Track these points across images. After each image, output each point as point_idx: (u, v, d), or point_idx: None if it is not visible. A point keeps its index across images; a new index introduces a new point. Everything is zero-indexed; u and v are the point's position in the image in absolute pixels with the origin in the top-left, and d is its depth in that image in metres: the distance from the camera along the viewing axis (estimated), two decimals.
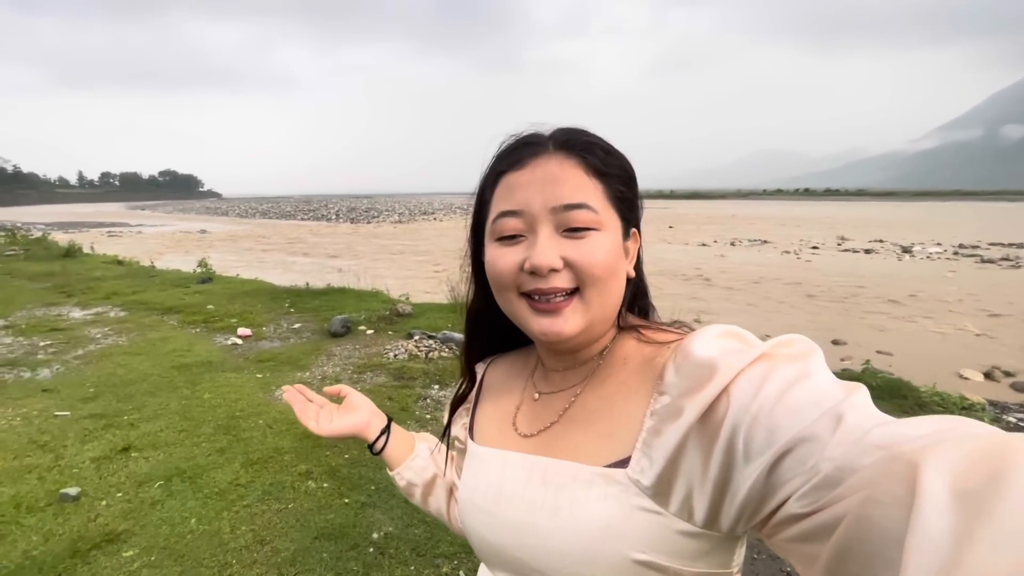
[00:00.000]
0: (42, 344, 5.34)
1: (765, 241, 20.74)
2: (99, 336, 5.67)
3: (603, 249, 0.49)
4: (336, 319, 5.86)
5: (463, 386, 0.69)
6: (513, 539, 0.52)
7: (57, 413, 3.59)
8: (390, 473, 0.77)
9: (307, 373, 4.49)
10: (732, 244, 19.86)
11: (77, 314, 6.79)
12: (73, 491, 2.60)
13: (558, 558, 0.48)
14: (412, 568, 2.15)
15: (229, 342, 5.46)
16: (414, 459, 0.76)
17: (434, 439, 0.81)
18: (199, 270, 9.96)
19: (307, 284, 8.43)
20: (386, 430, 0.76)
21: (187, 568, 2.12)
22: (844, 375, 4.70)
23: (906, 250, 17.18)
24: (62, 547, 2.22)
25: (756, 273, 12.68)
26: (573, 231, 0.48)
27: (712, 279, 12.01)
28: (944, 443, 0.29)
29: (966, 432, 0.30)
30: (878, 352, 6.64)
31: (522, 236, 0.50)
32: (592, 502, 0.47)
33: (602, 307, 0.50)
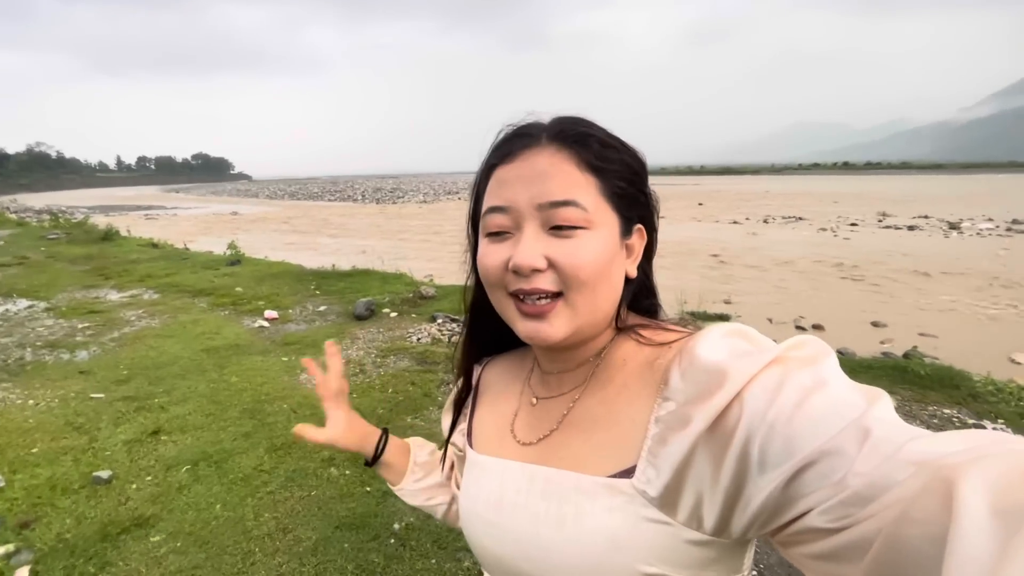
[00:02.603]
0: (80, 326, 5.52)
1: (800, 218, 19.93)
2: (133, 318, 5.83)
3: (591, 250, 0.46)
4: (360, 302, 5.87)
5: (460, 389, 0.67)
6: (516, 551, 0.50)
7: (92, 395, 3.70)
8: (391, 487, 0.78)
9: None
10: (765, 221, 19.16)
11: (114, 296, 7.01)
12: (105, 474, 2.67)
13: (564, 571, 0.47)
14: (433, 561, 2.12)
15: (256, 324, 5.54)
16: (410, 475, 0.76)
17: (428, 445, 0.80)
18: (228, 252, 10.16)
19: (333, 266, 8.49)
20: (378, 455, 0.75)
21: (211, 555, 2.14)
22: (887, 361, 4.45)
23: (954, 226, 16.22)
24: (93, 530, 2.27)
25: (790, 252, 12.20)
26: (560, 229, 0.46)
27: (743, 258, 11.61)
28: (982, 459, 0.28)
29: (1005, 448, 0.29)
30: (921, 335, 6.31)
31: (509, 233, 0.49)
32: (597, 514, 0.46)
33: (591, 311, 0.48)
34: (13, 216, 22.12)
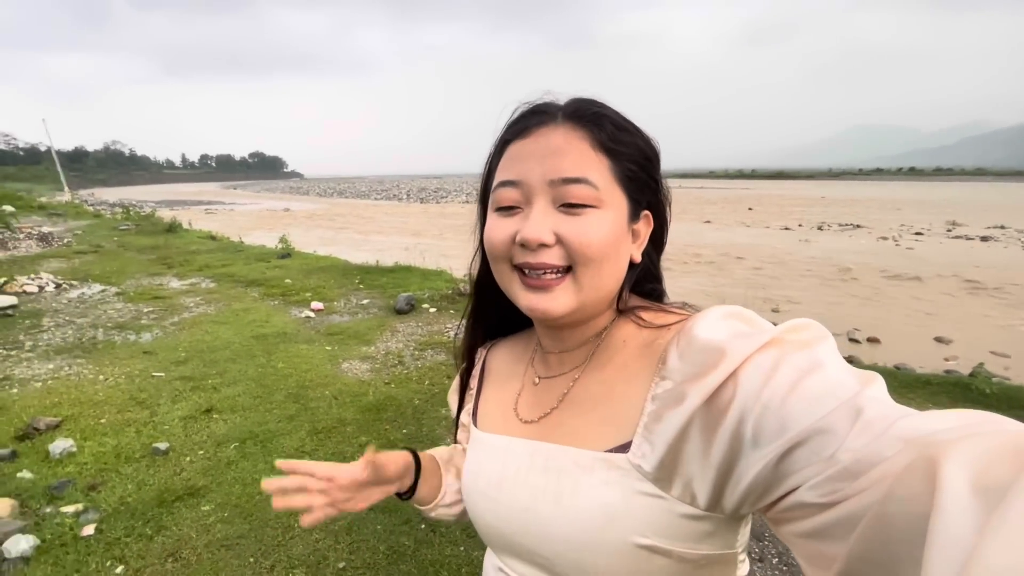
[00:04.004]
0: (145, 310, 5.93)
1: (858, 226, 18.90)
2: (192, 305, 6.20)
3: (599, 229, 0.47)
4: (401, 296, 6.03)
5: (464, 367, 0.68)
6: (517, 525, 0.52)
7: (154, 374, 3.96)
8: (419, 508, 0.70)
9: (372, 347, 4.65)
10: (819, 228, 18.28)
11: (175, 284, 7.48)
12: (163, 446, 2.86)
13: (561, 544, 0.48)
14: (462, 548, 2.16)
15: (303, 315, 5.77)
16: (443, 496, 0.70)
17: (447, 452, 0.75)
18: (280, 246, 10.63)
19: (377, 262, 8.75)
20: (413, 487, 0.67)
21: (255, 526, 2.26)
22: (948, 378, 4.17)
23: None
24: (151, 496, 2.44)
25: (845, 260, 11.59)
26: (570, 207, 0.47)
27: (794, 265, 11.12)
28: (968, 438, 0.28)
29: (992, 428, 0.29)
30: (991, 353, 5.85)
31: (519, 208, 0.49)
32: (594, 488, 0.47)
33: (595, 289, 0.49)
34: (90, 209, 23.95)
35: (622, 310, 0.54)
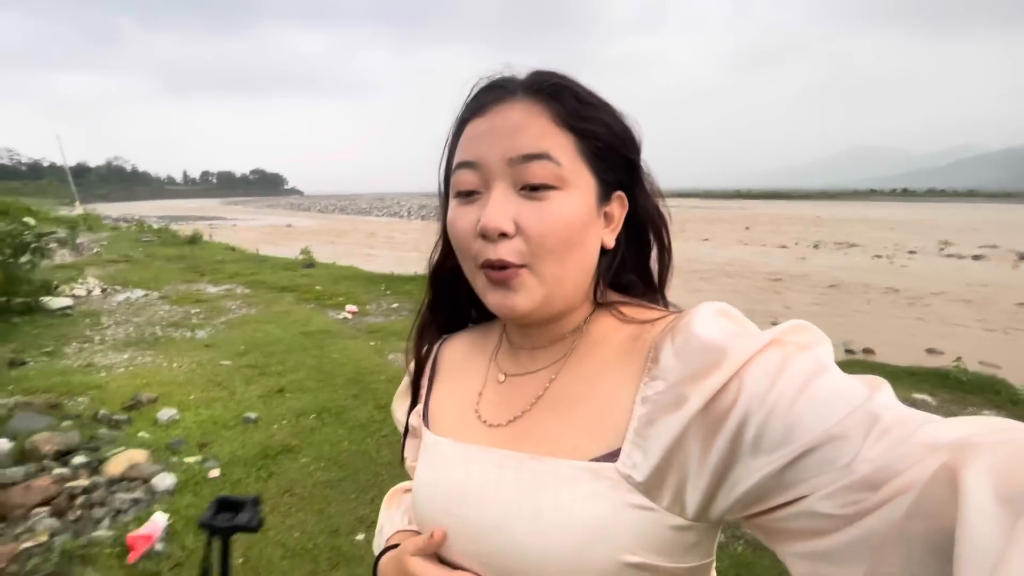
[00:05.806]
0: (193, 312, 6.38)
1: (853, 244, 19.48)
2: (234, 307, 6.66)
3: (562, 214, 0.44)
4: None
5: (414, 370, 0.61)
6: (486, 544, 0.46)
7: (222, 362, 4.41)
8: None
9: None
10: (815, 247, 18.84)
11: (212, 289, 7.94)
12: (253, 415, 3.31)
13: (541, 565, 0.43)
14: None
15: (340, 316, 6.24)
16: None
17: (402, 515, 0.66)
18: (302, 256, 11.12)
19: (392, 272, 9.25)
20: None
21: (348, 474, 2.71)
22: (928, 369, 4.62)
23: None
24: (255, 452, 2.89)
25: (841, 277, 12.08)
26: (532, 189, 0.44)
27: (791, 283, 11.60)
28: (989, 446, 0.28)
29: (1014, 435, 0.29)
30: (980, 363, 6.27)
31: (478, 193, 0.47)
32: (578, 501, 0.43)
33: (560, 281, 0.46)
34: (108, 222, 24.43)
35: (601, 303, 0.51)
